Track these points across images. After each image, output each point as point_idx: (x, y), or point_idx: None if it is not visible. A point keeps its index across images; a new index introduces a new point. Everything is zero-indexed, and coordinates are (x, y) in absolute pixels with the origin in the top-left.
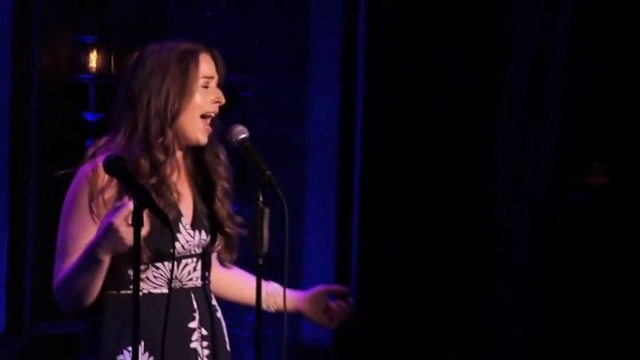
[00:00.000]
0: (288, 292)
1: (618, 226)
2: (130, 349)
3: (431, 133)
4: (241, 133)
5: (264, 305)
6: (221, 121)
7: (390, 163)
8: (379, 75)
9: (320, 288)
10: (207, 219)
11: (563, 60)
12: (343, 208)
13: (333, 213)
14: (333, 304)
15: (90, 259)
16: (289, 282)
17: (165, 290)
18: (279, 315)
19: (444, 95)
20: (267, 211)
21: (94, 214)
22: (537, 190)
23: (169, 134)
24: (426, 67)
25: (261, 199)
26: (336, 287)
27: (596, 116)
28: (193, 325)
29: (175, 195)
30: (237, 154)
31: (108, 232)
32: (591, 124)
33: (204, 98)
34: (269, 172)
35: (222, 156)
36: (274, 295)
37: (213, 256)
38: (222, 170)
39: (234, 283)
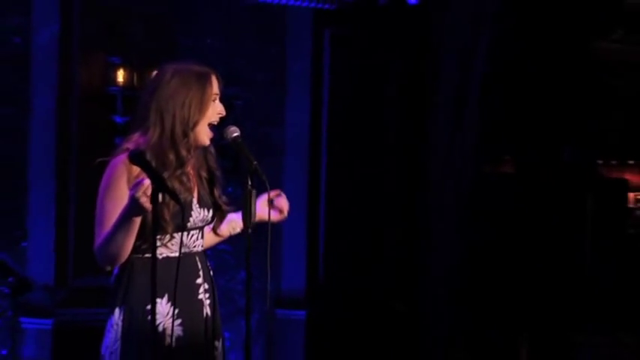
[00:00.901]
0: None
1: (522, 200)
2: (156, 300)
3: (379, 133)
4: (234, 132)
5: (230, 231)
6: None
7: (348, 156)
8: (340, 89)
9: (262, 198)
10: (207, 195)
11: (481, 81)
12: (313, 190)
13: (305, 194)
14: (275, 203)
15: (122, 222)
16: (272, 242)
17: (174, 254)
18: (264, 272)
19: (388, 105)
20: (254, 192)
21: (124, 193)
22: (462, 176)
23: (191, 137)
24: (374, 82)
25: (249, 183)
26: (271, 193)
27: (505, 122)
28: (199, 281)
29: (188, 178)
30: (231, 148)
31: (132, 201)
32: (502, 128)
33: (213, 111)
34: (255, 163)
35: (213, 152)
36: (234, 222)
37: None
38: (214, 163)
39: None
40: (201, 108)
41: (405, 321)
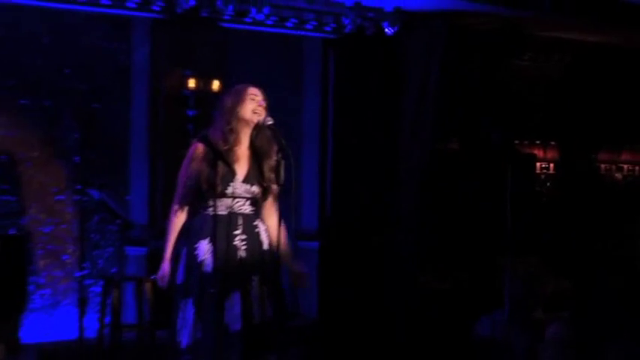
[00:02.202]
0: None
1: (469, 173)
2: (202, 241)
3: (367, 121)
4: (269, 120)
5: (273, 232)
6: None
7: (347, 135)
8: (341, 90)
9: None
10: (256, 177)
11: (436, 87)
12: (323, 156)
13: (317, 158)
14: (296, 275)
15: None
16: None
17: (224, 213)
18: (290, 215)
19: (374, 102)
20: (283, 162)
21: (193, 168)
22: (421, 155)
23: (233, 125)
24: (364, 86)
25: (279, 156)
26: (297, 274)
27: (452, 116)
28: (237, 232)
29: (235, 158)
30: (269, 134)
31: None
32: (453, 119)
33: (246, 109)
34: (284, 141)
35: (269, 141)
36: (284, 254)
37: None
38: (269, 149)
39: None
40: (238, 108)
41: (379, 248)
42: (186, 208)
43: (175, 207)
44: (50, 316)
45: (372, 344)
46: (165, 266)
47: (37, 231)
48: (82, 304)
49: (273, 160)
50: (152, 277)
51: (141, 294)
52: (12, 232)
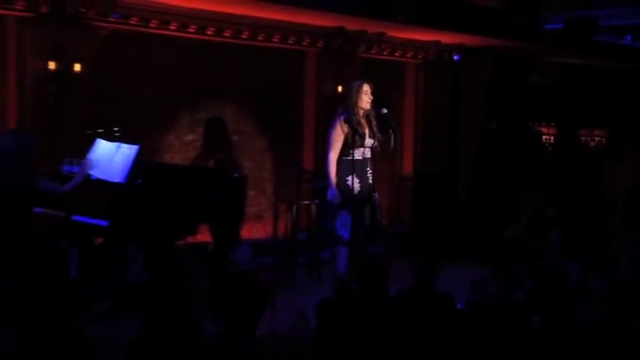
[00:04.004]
0: None
1: (502, 142)
2: (350, 175)
3: (441, 114)
4: (384, 110)
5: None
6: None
7: (429, 123)
8: (428, 96)
9: None
10: (372, 136)
11: (484, 92)
12: (415, 137)
13: (412, 138)
14: None
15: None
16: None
17: (360, 157)
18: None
19: (444, 104)
20: (392, 135)
21: (336, 134)
22: (473, 132)
23: (358, 105)
24: (439, 94)
25: (391, 132)
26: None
27: (494, 108)
28: (368, 169)
29: (362, 126)
30: (384, 117)
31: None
32: (493, 110)
33: (362, 98)
34: (395, 123)
35: (374, 115)
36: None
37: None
38: (375, 121)
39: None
40: (358, 96)
41: (449, 187)
42: (336, 156)
43: (331, 155)
44: (256, 223)
45: (445, 245)
46: (334, 190)
47: (250, 175)
48: (277, 217)
49: (375, 125)
50: (315, 202)
51: (309, 211)
52: (237, 176)
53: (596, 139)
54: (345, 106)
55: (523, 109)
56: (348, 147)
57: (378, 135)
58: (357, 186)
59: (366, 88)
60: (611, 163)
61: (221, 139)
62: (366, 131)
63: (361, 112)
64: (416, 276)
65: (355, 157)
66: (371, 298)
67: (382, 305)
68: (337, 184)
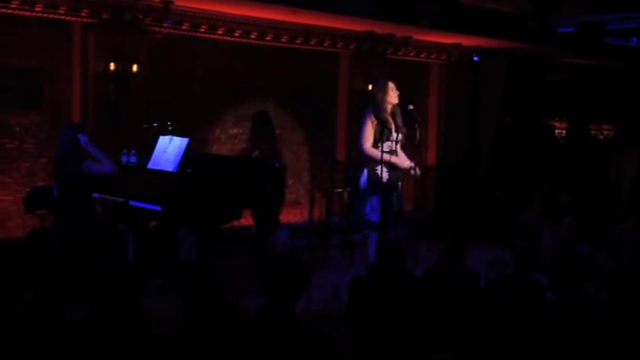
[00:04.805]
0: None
1: (517, 135)
2: (379, 165)
3: (461, 110)
4: (411, 106)
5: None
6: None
7: (450, 118)
8: (449, 94)
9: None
10: (398, 131)
11: (500, 90)
12: (439, 131)
13: (436, 132)
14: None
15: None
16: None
17: (387, 150)
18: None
19: (464, 100)
20: (418, 129)
21: (367, 126)
22: (490, 126)
23: (386, 102)
24: (460, 91)
25: (416, 126)
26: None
27: (510, 104)
28: (394, 159)
29: (390, 122)
30: (410, 112)
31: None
32: (509, 106)
33: (390, 95)
34: (420, 118)
35: (399, 112)
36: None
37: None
38: (400, 116)
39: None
40: (386, 93)
41: (469, 174)
42: (371, 145)
43: (367, 145)
44: (294, 209)
45: (465, 227)
46: (392, 157)
47: (289, 165)
48: (312, 203)
49: (401, 120)
50: (348, 189)
51: (342, 198)
52: (277, 165)
53: (605, 132)
54: (375, 103)
55: (537, 105)
56: (376, 140)
57: (403, 129)
58: (385, 175)
59: (392, 84)
60: (618, 155)
61: (263, 133)
62: (392, 127)
63: (389, 108)
64: (445, 253)
65: (384, 150)
66: (393, 277)
67: (404, 283)
68: (368, 174)
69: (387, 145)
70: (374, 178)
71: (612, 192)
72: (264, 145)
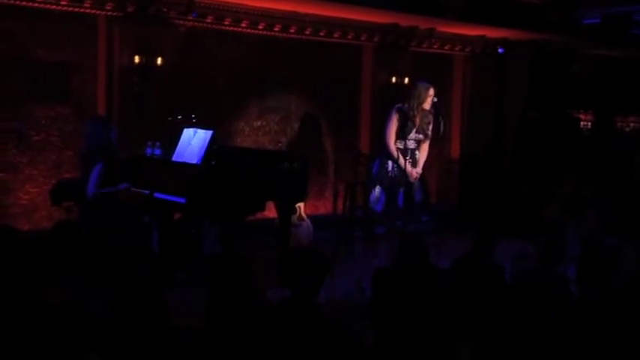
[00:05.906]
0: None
1: (541, 128)
2: (390, 160)
3: (487, 102)
4: (435, 98)
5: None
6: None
7: (475, 110)
8: (472, 85)
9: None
10: (421, 130)
11: (525, 82)
12: (462, 124)
13: (459, 125)
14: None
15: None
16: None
17: (402, 147)
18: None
19: (490, 93)
20: (442, 122)
21: (392, 123)
22: (515, 118)
23: (419, 106)
24: (485, 83)
25: (440, 119)
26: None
27: (534, 97)
28: (407, 157)
29: (415, 120)
30: (435, 105)
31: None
32: (533, 99)
33: (427, 99)
34: (443, 111)
35: (430, 113)
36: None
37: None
38: (427, 116)
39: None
40: (424, 99)
41: (493, 168)
42: (393, 141)
43: (391, 140)
44: (317, 201)
45: (489, 220)
46: (402, 160)
47: (312, 158)
48: (336, 196)
49: (430, 121)
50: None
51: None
52: (300, 158)
53: (631, 124)
54: (408, 102)
55: (562, 97)
56: (398, 137)
57: (428, 132)
58: (393, 169)
59: (432, 92)
60: None
61: (287, 125)
62: (415, 127)
63: (420, 111)
64: (474, 246)
65: (397, 146)
66: (416, 270)
67: (427, 275)
68: (379, 165)
69: (401, 143)
70: (383, 170)
71: (637, 184)
72: (286, 138)
